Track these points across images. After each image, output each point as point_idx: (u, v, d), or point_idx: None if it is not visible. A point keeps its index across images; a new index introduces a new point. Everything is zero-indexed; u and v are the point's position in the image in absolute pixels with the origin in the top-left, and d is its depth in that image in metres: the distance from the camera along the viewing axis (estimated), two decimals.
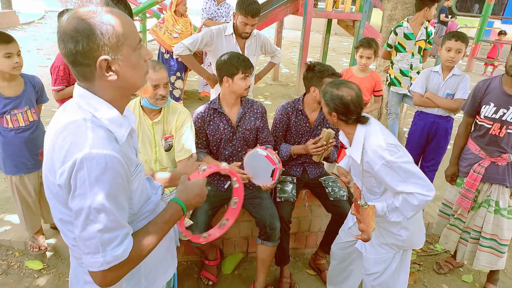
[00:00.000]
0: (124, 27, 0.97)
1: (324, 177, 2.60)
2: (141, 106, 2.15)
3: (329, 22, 7.36)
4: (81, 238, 0.94)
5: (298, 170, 2.61)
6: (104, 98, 1.00)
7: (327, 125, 2.53)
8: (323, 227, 2.74)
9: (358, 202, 1.76)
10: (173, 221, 1.13)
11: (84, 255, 0.95)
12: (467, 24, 12.02)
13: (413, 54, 3.95)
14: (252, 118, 2.37)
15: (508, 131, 2.30)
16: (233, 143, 2.34)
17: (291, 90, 7.05)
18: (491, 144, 2.37)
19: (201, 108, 2.35)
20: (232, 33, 2.96)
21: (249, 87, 2.28)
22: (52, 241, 2.65)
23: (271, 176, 2.17)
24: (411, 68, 3.97)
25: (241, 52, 3.00)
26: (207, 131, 2.32)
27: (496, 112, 2.31)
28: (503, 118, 2.30)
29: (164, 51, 5.25)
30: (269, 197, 2.41)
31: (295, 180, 2.55)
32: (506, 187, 2.41)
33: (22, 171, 2.35)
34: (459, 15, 11.68)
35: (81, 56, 0.93)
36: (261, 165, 2.15)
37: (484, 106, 2.36)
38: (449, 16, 10.98)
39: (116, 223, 0.94)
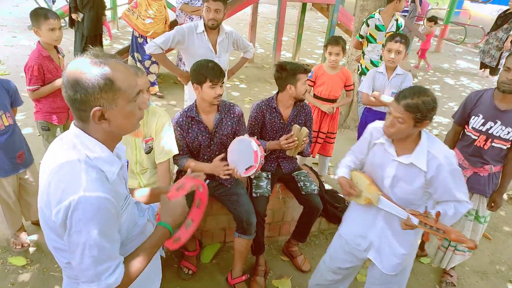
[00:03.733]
0: (123, 82, 1.06)
1: (296, 172, 2.77)
2: None
3: (304, 4, 7.38)
4: (79, 269, 1.06)
5: (272, 165, 2.76)
6: (97, 138, 1.10)
7: (299, 122, 2.67)
8: (295, 216, 2.92)
9: (428, 214, 1.64)
10: (161, 243, 1.26)
11: (81, 283, 1.07)
12: (438, 4, 12.24)
13: (383, 45, 4.09)
14: (229, 123, 2.43)
15: (493, 144, 2.31)
16: (211, 148, 2.43)
17: (266, 73, 7.10)
18: (475, 155, 2.40)
19: (178, 116, 2.40)
20: (203, 31, 3.02)
21: (220, 96, 2.27)
22: (34, 237, 2.71)
23: (246, 169, 2.24)
24: (381, 58, 4.11)
25: (212, 49, 3.08)
26: (187, 139, 2.39)
27: (483, 124, 2.32)
28: (490, 132, 2.30)
29: (138, 35, 5.17)
30: (246, 193, 2.55)
31: (269, 176, 2.70)
32: (486, 197, 2.47)
33: (0, 175, 2.34)
34: None
35: (79, 103, 1.03)
36: (245, 155, 2.21)
37: (473, 117, 2.37)
38: None
39: (108, 256, 1.06)
